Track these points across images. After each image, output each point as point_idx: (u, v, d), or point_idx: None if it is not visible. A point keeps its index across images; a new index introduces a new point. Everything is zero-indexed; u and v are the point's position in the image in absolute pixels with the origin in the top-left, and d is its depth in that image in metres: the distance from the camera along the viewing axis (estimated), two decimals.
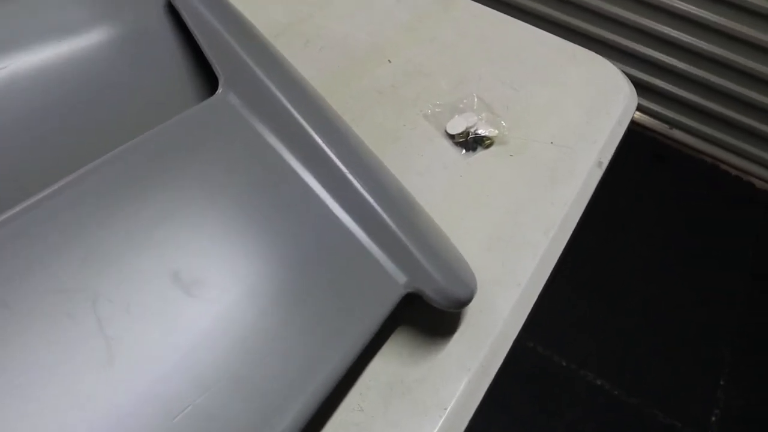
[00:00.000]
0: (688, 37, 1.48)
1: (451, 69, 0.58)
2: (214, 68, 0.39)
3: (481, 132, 0.52)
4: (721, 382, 1.23)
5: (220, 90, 0.38)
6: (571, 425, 1.15)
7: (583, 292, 1.33)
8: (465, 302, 0.36)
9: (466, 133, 0.52)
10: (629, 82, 0.63)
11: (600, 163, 0.55)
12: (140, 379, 0.29)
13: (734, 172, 1.64)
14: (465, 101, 0.55)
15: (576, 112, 0.56)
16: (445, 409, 0.36)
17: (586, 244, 1.39)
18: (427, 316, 0.38)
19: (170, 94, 0.40)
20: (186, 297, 0.31)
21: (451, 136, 0.52)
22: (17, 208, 0.31)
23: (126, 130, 0.37)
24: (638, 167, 1.61)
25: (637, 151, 1.64)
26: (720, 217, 1.54)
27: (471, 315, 0.40)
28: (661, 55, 1.55)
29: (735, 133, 1.59)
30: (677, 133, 1.68)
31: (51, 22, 0.38)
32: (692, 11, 1.42)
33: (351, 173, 0.36)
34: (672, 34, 1.49)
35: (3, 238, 0.30)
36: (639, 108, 1.44)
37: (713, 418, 1.18)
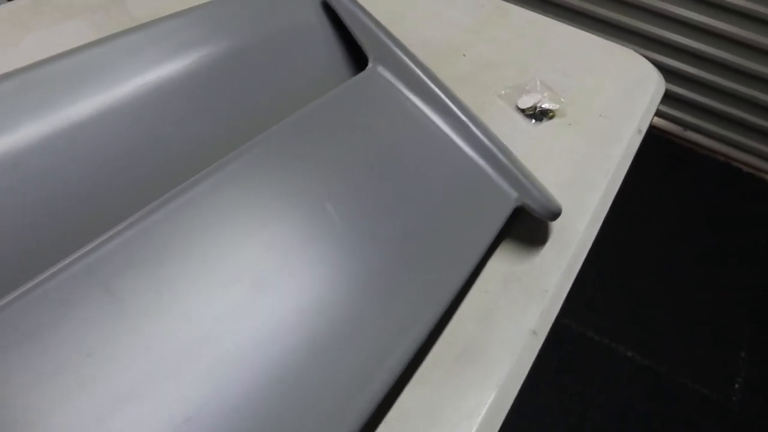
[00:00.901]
0: (698, 43, 1.63)
1: (514, 61, 0.73)
2: (364, 49, 0.53)
3: (546, 106, 0.67)
4: (742, 355, 1.36)
5: (370, 65, 0.53)
6: (606, 393, 1.27)
7: (612, 277, 1.46)
8: (557, 214, 0.50)
9: (534, 108, 0.67)
10: (658, 71, 0.77)
11: (639, 131, 0.69)
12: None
13: (746, 170, 1.78)
14: (529, 84, 0.69)
15: (617, 93, 0.71)
16: (546, 291, 0.50)
17: (611, 235, 1.52)
18: (526, 230, 0.53)
19: (330, 71, 0.55)
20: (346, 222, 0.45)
21: (522, 110, 0.67)
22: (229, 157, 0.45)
23: (299, 99, 0.52)
24: (656, 167, 1.75)
25: (654, 152, 1.78)
26: (734, 212, 1.68)
27: (556, 230, 0.54)
28: (674, 61, 1.70)
29: (745, 133, 1.73)
30: (691, 135, 1.82)
31: (248, 20, 0.53)
32: (703, 20, 1.58)
33: (471, 123, 0.51)
34: (683, 42, 1.64)
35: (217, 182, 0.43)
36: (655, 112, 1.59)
37: (736, 386, 1.30)
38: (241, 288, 0.37)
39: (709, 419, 1.24)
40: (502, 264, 0.51)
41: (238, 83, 0.52)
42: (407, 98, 0.51)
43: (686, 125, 1.83)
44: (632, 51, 0.78)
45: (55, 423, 0.29)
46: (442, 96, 0.51)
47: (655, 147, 1.77)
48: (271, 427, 0.33)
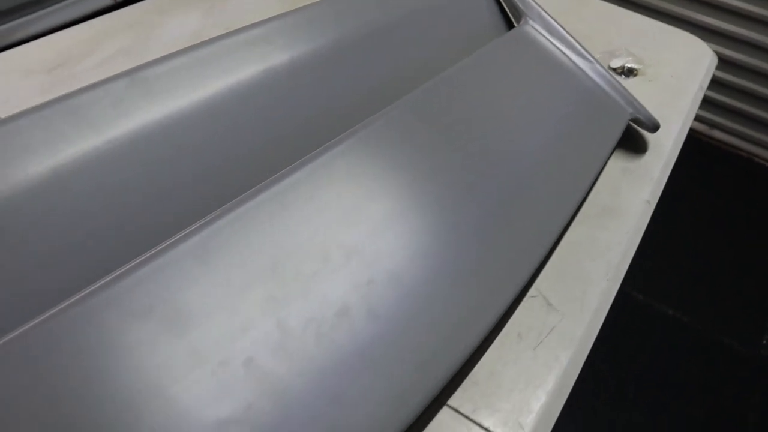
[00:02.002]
0: (722, 49, 1.86)
1: (602, 35, 0.95)
2: (516, 8, 0.76)
3: (631, 66, 0.89)
4: None
5: (522, 20, 0.75)
6: (649, 348, 1.48)
7: (652, 248, 1.67)
8: (658, 126, 0.71)
9: (622, 67, 0.88)
10: (712, 51, 1.00)
11: (701, 88, 0.91)
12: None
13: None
14: (617, 51, 0.91)
15: (682, 63, 0.92)
16: (653, 178, 0.71)
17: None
18: (629, 143, 0.74)
19: (484, 29, 0.77)
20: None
21: (614, 69, 0.89)
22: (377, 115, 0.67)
23: (456, 53, 0.74)
24: (685, 163, 1.97)
25: (683, 149, 2.00)
26: (756, 202, 1.89)
27: (652, 145, 0.76)
28: None
29: (766, 131, 1.95)
30: (717, 133, 2.04)
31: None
32: (720, 25, 1.80)
33: (595, 61, 0.73)
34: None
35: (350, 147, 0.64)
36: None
37: (764, 341, 1.50)
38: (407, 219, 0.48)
39: (741, 371, 1.44)
40: (618, 161, 0.72)
41: (389, 49, 0.73)
42: (555, 46, 0.72)
43: (712, 124, 2.05)
44: (690, 34, 1.01)
45: (282, 281, 0.40)
46: (575, 42, 0.72)
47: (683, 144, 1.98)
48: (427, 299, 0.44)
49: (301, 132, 0.53)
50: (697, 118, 2.06)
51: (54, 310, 0.33)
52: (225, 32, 0.57)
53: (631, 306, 1.55)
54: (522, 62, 0.69)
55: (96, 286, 0.35)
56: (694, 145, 2.04)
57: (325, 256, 0.41)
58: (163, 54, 0.52)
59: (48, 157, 0.40)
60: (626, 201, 0.66)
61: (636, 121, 0.70)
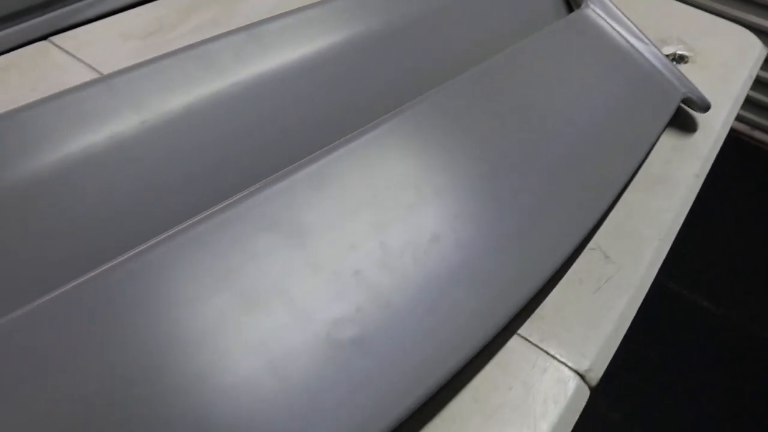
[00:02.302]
0: None
1: (653, 26, 0.99)
2: None
3: (683, 53, 0.93)
4: None
5: (583, 4, 0.80)
6: (683, 337, 1.51)
7: (690, 242, 1.70)
8: (709, 106, 0.76)
9: (674, 54, 0.93)
10: (761, 42, 1.03)
11: (750, 77, 0.95)
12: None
13: None
14: (669, 39, 0.96)
15: (732, 52, 0.96)
16: (702, 155, 0.75)
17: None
18: (681, 122, 0.78)
19: (546, 12, 0.82)
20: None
21: (666, 56, 0.93)
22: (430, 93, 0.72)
23: (520, 35, 0.79)
24: (726, 162, 1.99)
25: (724, 149, 2.02)
26: None
27: (702, 125, 0.80)
28: None
29: None
30: (758, 133, 2.05)
31: None
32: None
33: (651, 43, 0.78)
34: None
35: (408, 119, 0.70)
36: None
37: None
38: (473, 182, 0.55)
39: None
40: (669, 138, 0.77)
41: (454, 29, 0.79)
42: (613, 29, 0.77)
43: (753, 125, 2.06)
44: (739, 26, 1.05)
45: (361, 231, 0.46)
46: (633, 25, 0.77)
47: (724, 144, 2.01)
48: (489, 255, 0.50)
49: (386, 91, 0.59)
50: (738, 118, 2.08)
51: (200, 217, 0.40)
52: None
53: (666, 296, 1.58)
54: (583, 42, 0.75)
55: (234, 199, 0.41)
56: (735, 144, 2.05)
57: (419, 191, 0.47)
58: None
59: (185, 95, 0.47)
60: (677, 173, 0.71)
61: (688, 101, 0.75)
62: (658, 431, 1.39)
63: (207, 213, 0.40)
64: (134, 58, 0.52)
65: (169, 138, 0.45)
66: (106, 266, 0.36)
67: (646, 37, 0.77)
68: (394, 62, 0.70)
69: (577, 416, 0.49)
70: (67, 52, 0.70)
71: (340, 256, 0.42)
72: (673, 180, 0.69)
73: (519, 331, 0.51)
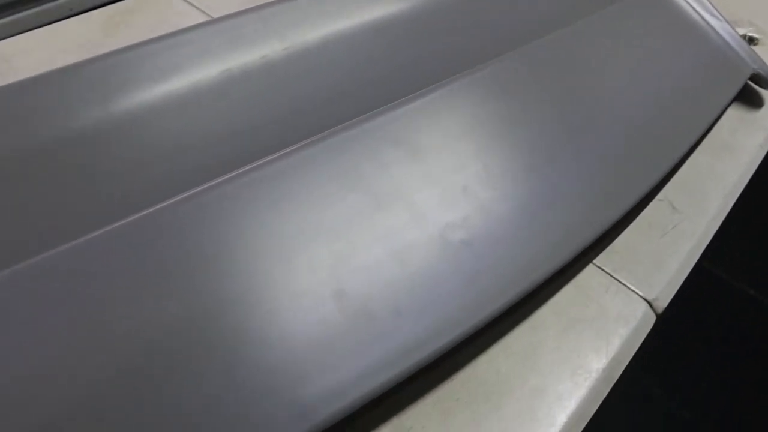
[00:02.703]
0: None
1: (724, 8, 1.03)
2: None
3: (753, 35, 0.97)
4: None
5: None
6: (727, 323, 1.55)
7: (743, 232, 1.73)
8: None
9: (745, 35, 0.97)
10: None
11: None
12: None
13: None
14: (740, 22, 1.00)
15: None
16: (767, 128, 0.80)
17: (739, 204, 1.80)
18: (749, 96, 0.83)
19: None
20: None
21: None
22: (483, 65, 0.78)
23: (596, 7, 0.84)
24: None
25: None
26: None
27: None
28: None
29: None
30: None
31: None
32: None
33: (723, 18, 0.82)
34: None
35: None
36: None
37: None
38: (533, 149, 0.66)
39: None
40: (737, 110, 0.82)
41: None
42: (687, 3, 0.82)
43: None
44: None
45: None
46: (706, 1, 0.82)
47: None
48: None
49: (444, 58, 0.66)
50: None
51: (339, 128, 0.47)
52: None
53: (712, 282, 1.62)
54: (658, 15, 0.80)
55: (365, 117, 0.49)
56: None
57: (515, 129, 0.54)
58: None
59: (320, 29, 0.54)
60: (742, 142, 0.76)
61: (756, 77, 0.80)
62: (696, 410, 1.44)
63: (344, 126, 0.48)
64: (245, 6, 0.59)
65: (306, 63, 0.52)
66: (263, 161, 0.44)
67: (720, 13, 0.82)
68: (460, 29, 0.75)
69: (642, 338, 0.55)
70: (187, 1, 0.78)
71: (450, 173, 0.49)
72: (738, 147, 0.74)
73: (594, 261, 0.58)
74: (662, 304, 0.56)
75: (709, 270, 1.65)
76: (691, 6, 0.80)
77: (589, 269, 0.57)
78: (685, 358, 1.49)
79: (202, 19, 0.75)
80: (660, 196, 0.66)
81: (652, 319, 0.55)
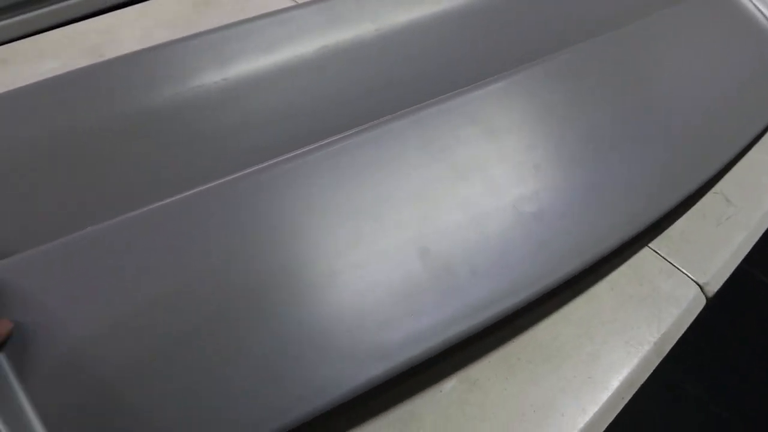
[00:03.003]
0: None
1: None
2: None
3: None
4: None
5: None
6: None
7: None
8: None
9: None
10: None
11: None
12: None
13: None
14: None
15: None
16: None
17: None
18: None
19: None
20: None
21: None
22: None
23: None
24: None
25: None
26: None
27: None
28: None
29: None
30: None
31: None
32: None
33: None
34: None
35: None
36: None
37: None
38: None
39: None
40: None
41: None
42: (753, 5, 0.85)
43: None
44: None
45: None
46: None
47: None
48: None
49: (520, 46, 0.70)
50: None
51: (424, 104, 0.52)
52: None
53: (755, 285, 1.63)
54: (721, 15, 0.82)
55: (446, 96, 0.53)
56: None
57: (583, 116, 0.58)
58: None
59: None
60: None
61: None
62: (731, 408, 1.45)
63: (429, 103, 0.53)
64: None
65: (396, 44, 0.57)
66: (358, 130, 0.49)
67: None
68: (527, 21, 0.79)
69: (692, 319, 0.59)
70: None
71: (523, 152, 0.54)
72: None
73: (650, 245, 0.61)
74: (713, 288, 0.60)
75: (748, 271, 1.66)
76: (755, 6, 0.83)
77: (645, 251, 0.61)
78: (726, 357, 1.51)
79: (287, 1, 0.80)
80: (715, 189, 0.69)
81: (702, 302, 0.59)
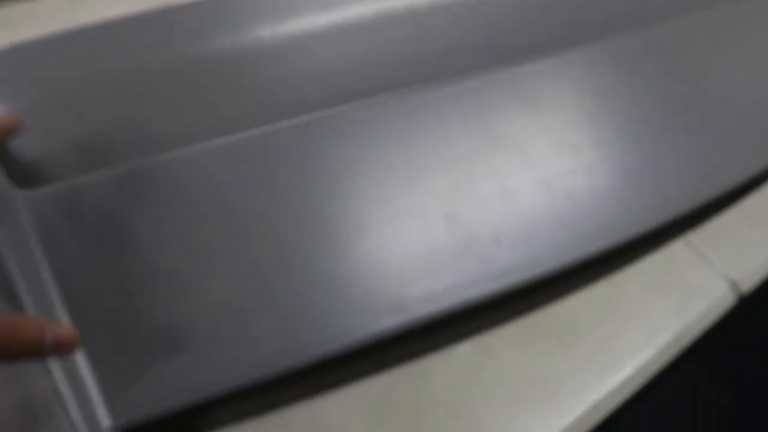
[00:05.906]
0: None
1: None
2: None
3: None
4: None
5: None
6: None
7: None
8: None
9: None
10: None
11: None
12: None
13: None
14: None
15: None
16: None
17: None
18: None
19: None
20: None
21: None
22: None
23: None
24: None
25: None
26: None
27: None
28: None
29: None
30: None
31: None
32: None
33: None
34: None
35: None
36: None
37: None
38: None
39: None
40: None
41: None
42: None
43: None
44: None
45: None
46: None
47: None
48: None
49: (571, 27, 0.69)
50: None
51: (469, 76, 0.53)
52: None
53: None
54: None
55: (490, 69, 0.54)
56: None
57: (631, 98, 0.58)
58: None
59: None
60: None
61: None
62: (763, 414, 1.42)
63: (474, 73, 0.54)
64: None
65: (448, 13, 0.58)
66: (403, 91, 0.51)
67: None
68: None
69: (718, 315, 0.59)
70: None
71: (563, 131, 0.54)
72: None
73: (685, 236, 0.61)
74: (744, 287, 0.59)
75: None
76: None
77: (679, 242, 0.60)
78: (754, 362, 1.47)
79: None
80: (765, 190, 0.68)
81: (731, 299, 0.59)
